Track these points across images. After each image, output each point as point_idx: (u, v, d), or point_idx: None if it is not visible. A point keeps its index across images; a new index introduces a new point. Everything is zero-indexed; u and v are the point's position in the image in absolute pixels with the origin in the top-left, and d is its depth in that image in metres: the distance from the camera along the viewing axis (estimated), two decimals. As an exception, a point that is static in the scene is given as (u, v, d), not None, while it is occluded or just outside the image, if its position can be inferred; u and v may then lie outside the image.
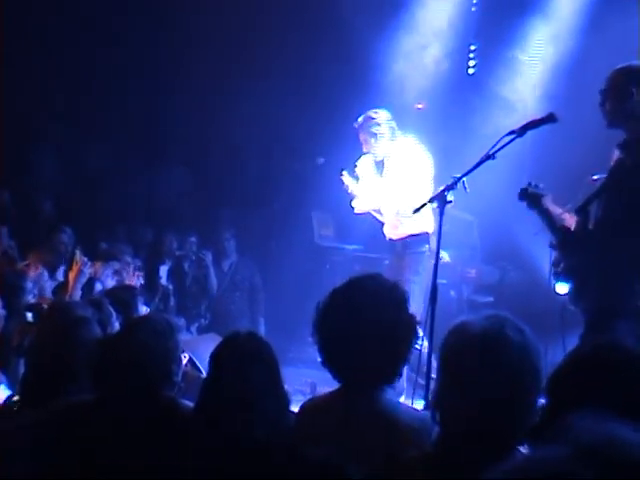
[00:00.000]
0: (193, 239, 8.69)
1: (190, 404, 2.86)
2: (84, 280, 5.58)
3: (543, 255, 4.72)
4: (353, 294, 2.73)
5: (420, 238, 6.21)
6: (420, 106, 8.66)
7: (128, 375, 2.86)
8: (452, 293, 8.12)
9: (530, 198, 4.43)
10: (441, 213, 4.55)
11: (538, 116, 4.46)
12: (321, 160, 8.82)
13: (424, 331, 4.20)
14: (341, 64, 8.97)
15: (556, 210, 6.00)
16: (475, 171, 4.46)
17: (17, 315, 5.27)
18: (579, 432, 1.17)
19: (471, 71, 9.03)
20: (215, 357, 2.77)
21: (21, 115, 8.96)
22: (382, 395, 2.66)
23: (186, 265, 8.58)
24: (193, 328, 8.31)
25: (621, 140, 4.30)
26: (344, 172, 6.46)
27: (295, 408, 2.88)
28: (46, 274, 6.39)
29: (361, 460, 2.26)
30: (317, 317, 2.74)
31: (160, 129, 9.90)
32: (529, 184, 4.47)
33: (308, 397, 3.10)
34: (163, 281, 7.92)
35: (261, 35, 9.04)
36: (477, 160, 4.43)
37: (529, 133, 4.37)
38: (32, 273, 6.17)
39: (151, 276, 7.73)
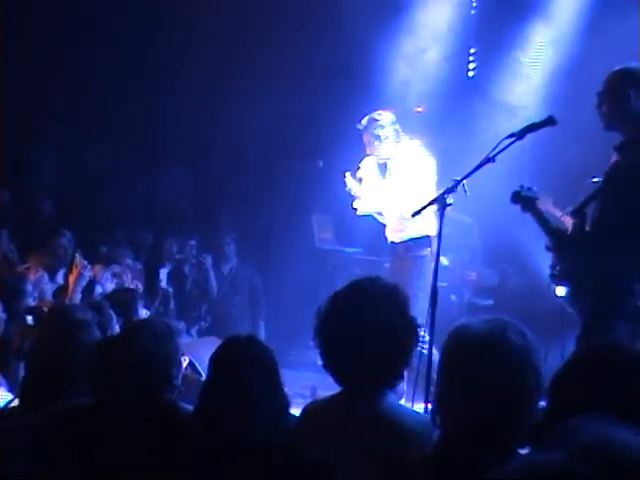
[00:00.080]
0: (193, 242, 8.70)
1: (190, 407, 2.86)
2: (84, 283, 5.58)
3: (543, 258, 4.72)
4: (354, 297, 2.72)
5: (422, 241, 6.18)
6: (419, 109, 8.66)
7: (128, 378, 2.86)
8: (452, 297, 8.12)
9: (523, 201, 4.43)
10: (441, 216, 4.55)
11: (538, 119, 4.46)
12: (321, 163, 8.83)
13: (427, 334, 4.21)
14: (341, 65, 8.98)
15: (556, 213, 6.01)
16: (475, 174, 4.47)
17: (17, 318, 5.28)
18: (579, 434, 1.17)
19: (471, 74, 9.04)
20: (214, 360, 2.77)
21: (21, 115, 8.96)
22: (384, 398, 2.66)
23: (186, 268, 8.59)
24: (193, 331, 8.31)
25: (618, 142, 4.30)
26: (347, 174, 6.42)
27: (295, 411, 2.87)
28: (46, 277, 6.40)
29: (363, 463, 2.26)
30: (318, 320, 2.73)
31: (160, 129, 9.91)
32: (521, 187, 4.46)
33: (308, 400, 3.10)
34: (163, 284, 7.92)
35: (261, 35, 9.04)
36: (477, 163, 4.43)
37: (529, 136, 4.38)
38: (32, 276, 6.18)
39: (151, 279, 7.74)
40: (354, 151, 6.60)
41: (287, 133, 9.28)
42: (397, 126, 6.28)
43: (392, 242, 6.41)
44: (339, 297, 2.75)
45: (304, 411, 2.86)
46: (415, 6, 8.65)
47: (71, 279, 5.58)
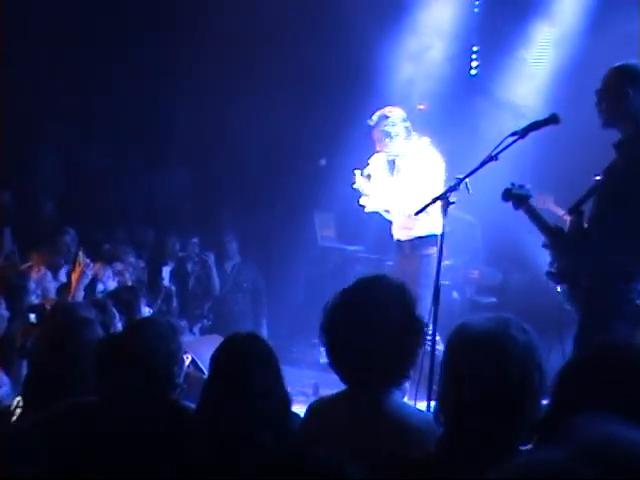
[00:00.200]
0: (195, 240, 8.70)
1: (192, 405, 2.86)
2: (87, 281, 5.58)
3: (546, 256, 4.71)
4: (362, 295, 2.69)
5: (428, 240, 6.05)
6: (422, 107, 8.66)
7: (130, 376, 2.86)
8: (455, 294, 8.12)
9: (514, 198, 4.42)
10: (444, 214, 4.55)
11: (540, 117, 4.46)
12: (323, 161, 8.82)
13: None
14: (342, 64, 8.97)
15: (558, 211, 6.00)
16: (477, 172, 4.47)
17: (20, 316, 5.28)
18: (581, 432, 1.17)
19: (473, 72, 9.04)
20: (216, 358, 2.78)
21: (22, 115, 8.96)
22: (389, 397, 2.64)
23: (189, 266, 8.59)
24: (196, 329, 8.32)
25: (616, 140, 4.30)
26: (356, 171, 6.35)
27: (297, 409, 2.87)
28: (49, 275, 6.40)
29: (368, 462, 2.26)
30: (324, 318, 2.70)
31: (161, 129, 9.90)
32: (512, 184, 4.46)
33: (311, 398, 3.10)
34: (166, 282, 7.93)
35: (261, 35, 9.04)
36: (480, 161, 4.43)
37: (531, 134, 4.37)
38: (35, 274, 6.18)
39: (154, 277, 7.74)
40: (357, 149, 6.59)
41: (287, 133, 9.28)
42: (407, 123, 6.21)
43: (398, 240, 6.34)
44: (346, 294, 2.72)
45: (309, 409, 2.85)
46: (418, 5, 8.66)
47: (74, 277, 5.59)
